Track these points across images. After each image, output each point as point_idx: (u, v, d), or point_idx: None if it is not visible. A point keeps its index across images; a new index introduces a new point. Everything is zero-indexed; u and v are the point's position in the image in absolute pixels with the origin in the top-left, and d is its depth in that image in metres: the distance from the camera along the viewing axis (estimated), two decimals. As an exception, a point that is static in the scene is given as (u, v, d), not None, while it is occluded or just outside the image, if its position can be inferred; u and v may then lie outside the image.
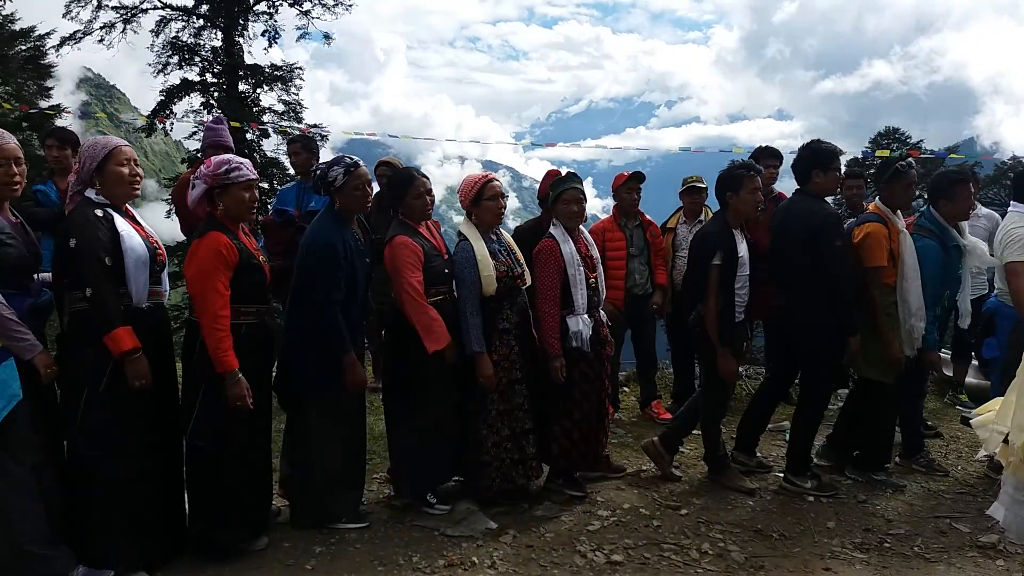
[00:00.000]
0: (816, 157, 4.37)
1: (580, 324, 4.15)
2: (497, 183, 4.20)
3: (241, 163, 3.49)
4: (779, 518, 4.12)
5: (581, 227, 4.37)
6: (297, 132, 20.40)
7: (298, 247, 3.85)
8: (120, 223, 3.24)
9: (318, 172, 3.88)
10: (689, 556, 3.67)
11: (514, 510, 4.16)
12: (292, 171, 6.35)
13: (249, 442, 3.58)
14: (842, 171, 4.49)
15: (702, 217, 5.85)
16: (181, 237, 5.41)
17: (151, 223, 3.58)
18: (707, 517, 4.12)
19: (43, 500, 3.05)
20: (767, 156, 5.84)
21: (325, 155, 6.30)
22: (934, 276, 4.44)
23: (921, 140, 34.39)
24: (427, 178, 4.15)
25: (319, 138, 21.31)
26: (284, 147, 21.18)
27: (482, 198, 4.09)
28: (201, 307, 3.34)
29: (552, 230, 4.25)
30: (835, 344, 4.32)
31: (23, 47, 18.99)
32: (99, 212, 3.21)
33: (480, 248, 4.02)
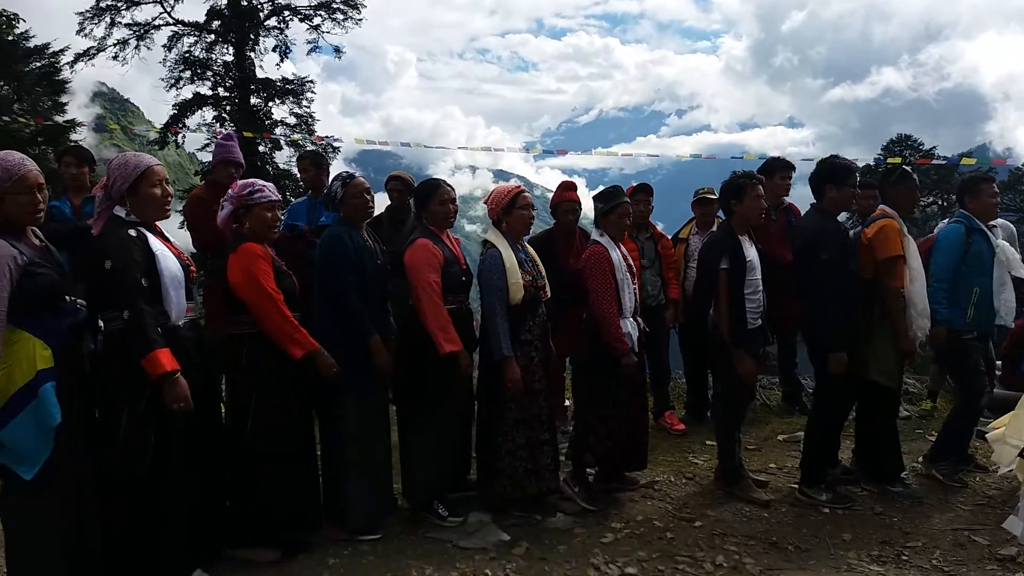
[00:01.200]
0: (830, 172, 4.44)
1: (628, 326, 4.26)
2: (528, 194, 4.29)
3: (264, 186, 3.67)
4: (794, 530, 4.09)
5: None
6: (309, 144, 20.55)
7: (307, 261, 3.91)
8: (154, 243, 3.26)
9: (327, 193, 4.06)
10: (703, 569, 3.64)
11: (526, 522, 4.14)
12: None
13: (299, 447, 3.71)
14: (856, 186, 4.51)
15: (714, 228, 5.84)
16: (193, 249, 5.43)
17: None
18: (721, 529, 4.09)
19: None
20: (780, 168, 5.87)
21: (337, 167, 6.36)
22: (951, 251, 4.62)
23: (934, 147, 34.30)
24: (452, 188, 4.26)
25: (331, 150, 21.45)
26: (296, 160, 21.35)
27: (515, 207, 4.21)
28: (260, 307, 3.48)
29: (598, 238, 4.38)
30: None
31: (38, 63, 19.18)
32: (132, 232, 3.20)
33: (509, 256, 4.12)
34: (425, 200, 4.19)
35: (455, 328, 3.93)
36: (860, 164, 10.54)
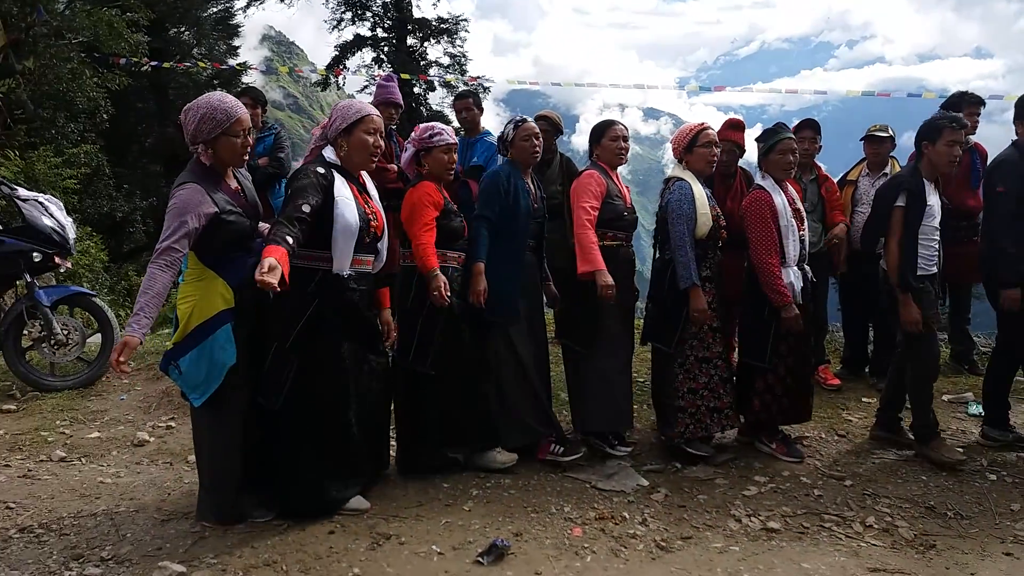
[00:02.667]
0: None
1: (791, 276, 4.14)
2: (712, 132, 4.23)
3: (443, 129, 3.89)
4: (955, 496, 3.84)
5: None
6: (462, 85, 20.78)
7: (460, 201, 4.10)
8: (340, 188, 3.35)
9: (500, 135, 4.27)
10: (852, 529, 3.50)
11: (666, 469, 4.13)
12: (457, 125, 6.46)
13: (462, 368, 3.95)
14: None
15: (887, 170, 5.40)
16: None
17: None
18: (873, 489, 3.90)
19: (242, 450, 3.40)
20: (967, 103, 5.31)
21: (487, 107, 6.38)
22: None
23: None
24: (625, 126, 4.36)
25: (482, 89, 21.61)
26: (449, 100, 21.64)
27: (695, 144, 4.18)
28: (411, 232, 3.76)
29: (761, 182, 4.25)
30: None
31: (214, 8, 20.43)
32: (322, 170, 3.34)
33: (698, 188, 4.12)
34: (598, 136, 4.31)
35: (612, 266, 4.02)
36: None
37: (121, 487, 3.99)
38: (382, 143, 3.58)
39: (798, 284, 4.16)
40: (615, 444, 4.28)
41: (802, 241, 4.24)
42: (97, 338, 5.97)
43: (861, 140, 5.64)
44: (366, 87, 22.44)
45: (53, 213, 5.59)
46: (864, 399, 5.22)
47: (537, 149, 4.16)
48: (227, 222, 3.18)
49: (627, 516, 3.58)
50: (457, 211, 3.99)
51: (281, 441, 3.44)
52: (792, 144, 4.18)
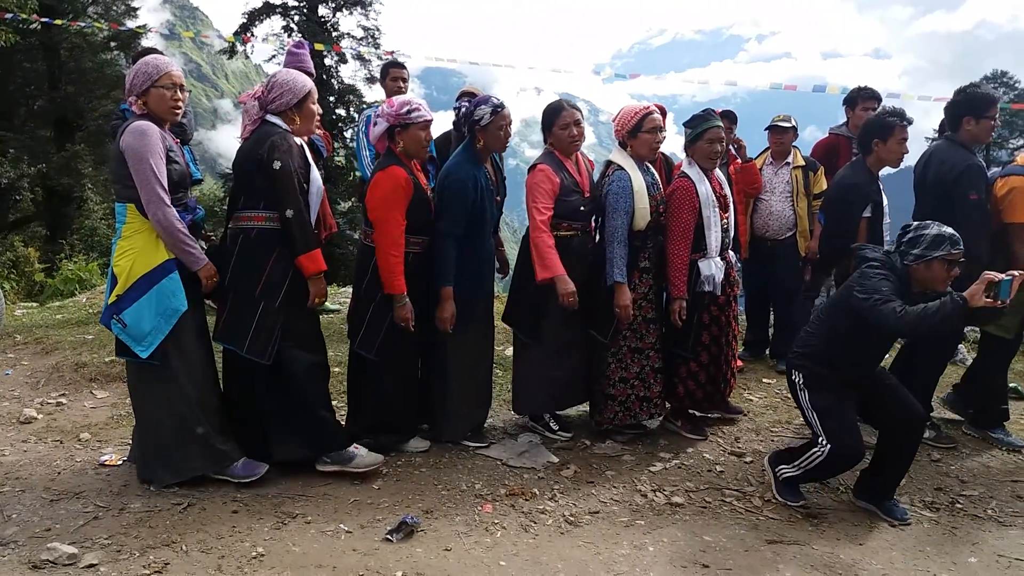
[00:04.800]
0: (970, 103, 4.17)
1: (712, 268, 4.12)
2: (657, 116, 4.10)
3: (420, 104, 3.74)
4: (850, 472, 4.03)
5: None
6: (375, 59, 20.37)
7: None
8: (307, 154, 3.54)
9: (463, 110, 3.99)
10: (752, 503, 3.64)
11: (575, 446, 4.19)
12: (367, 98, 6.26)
13: (406, 358, 3.96)
14: (997, 119, 4.25)
15: (789, 159, 5.60)
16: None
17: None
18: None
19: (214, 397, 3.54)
20: (864, 98, 5.55)
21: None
22: None
23: (1030, 85, 32.22)
24: (578, 109, 4.14)
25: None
26: (363, 73, 21.16)
27: (640, 130, 4.05)
28: (381, 232, 3.64)
29: (687, 169, 4.15)
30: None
31: (111, -34, 19.30)
32: (298, 140, 3.49)
33: (637, 178, 4.01)
34: (549, 123, 4.12)
35: (565, 258, 3.93)
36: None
37: (6, 466, 3.76)
38: (320, 110, 3.67)
39: (719, 275, 4.15)
40: (555, 430, 4.30)
41: (725, 230, 4.22)
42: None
43: (765, 130, 5.82)
44: (275, 56, 21.73)
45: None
46: (764, 380, 5.42)
47: (508, 138, 4.05)
48: (173, 161, 3.30)
49: (537, 492, 3.62)
50: (428, 199, 3.84)
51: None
52: (720, 133, 4.11)
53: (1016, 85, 30.93)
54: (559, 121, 4.04)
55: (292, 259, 3.41)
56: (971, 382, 4.68)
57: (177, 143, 3.44)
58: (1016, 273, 3.10)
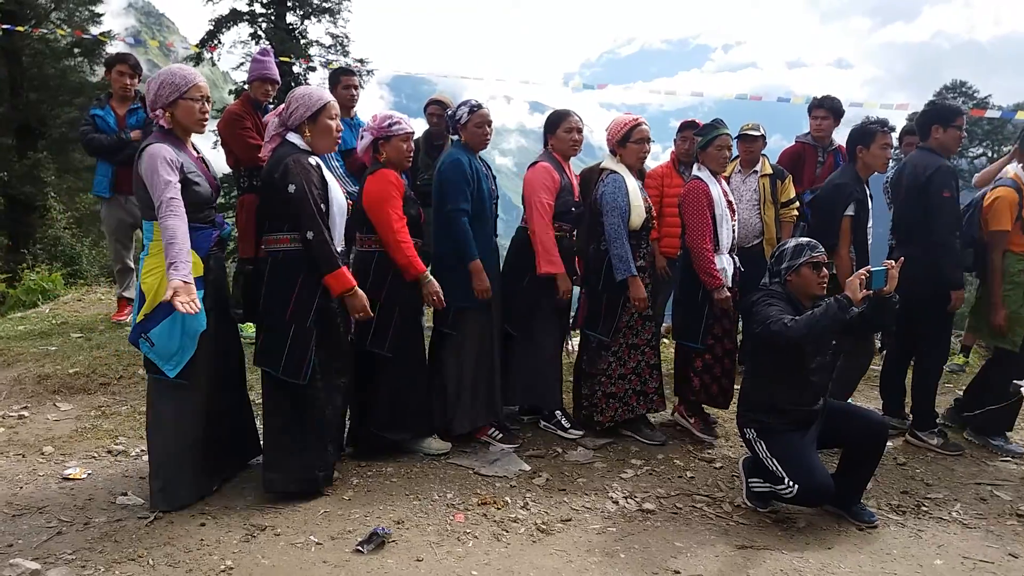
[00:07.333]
0: (938, 113, 4.49)
1: (723, 262, 4.32)
2: (646, 127, 4.30)
3: (401, 118, 3.89)
4: (815, 476, 4.08)
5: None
6: (344, 66, 20.28)
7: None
8: (326, 173, 3.50)
9: (448, 113, 4.31)
10: (722, 508, 3.67)
11: (547, 454, 4.19)
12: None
13: (417, 353, 4.07)
14: (964, 129, 4.52)
15: (758, 168, 5.67)
16: (227, 169, 5.39)
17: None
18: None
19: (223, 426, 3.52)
20: (814, 107, 5.85)
21: (371, 89, 6.21)
22: None
23: (988, 95, 33.03)
24: (580, 117, 4.38)
25: (366, 74, 21.21)
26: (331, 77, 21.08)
27: (629, 140, 4.27)
28: (385, 227, 3.77)
29: (698, 173, 4.41)
30: (947, 295, 4.39)
31: (74, -28, 18.99)
32: (312, 160, 3.45)
33: (631, 181, 4.21)
34: (554, 127, 4.35)
35: (560, 255, 4.15)
36: (910, 111, 10.17)
37: (-36, 482, 3.66)
38: (342, 127, 3.67)
39: (729, 270, 4.36)
40: (567, 428, 4.42)
41: (732, 231, 4.42)
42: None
43: (735, 139, 5.88)
44: (242, 64, 21.56)
45: None
46: (736, 387, 5.45)
47: (488, 137, 4.21)
48: (192, 182, 3.23)
49: (509, 501, 3.61)
50: (415, 198, 4.02)
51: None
52: (728, 140, 4.38)
53: (975, 95, 31.66)
54: (564, 124, 4.32)
55: (319, 280, 3.43)
56: (975, 391, 4.82)
57: (198, 159, 3.38)
58: (888, 263, 3.33)
